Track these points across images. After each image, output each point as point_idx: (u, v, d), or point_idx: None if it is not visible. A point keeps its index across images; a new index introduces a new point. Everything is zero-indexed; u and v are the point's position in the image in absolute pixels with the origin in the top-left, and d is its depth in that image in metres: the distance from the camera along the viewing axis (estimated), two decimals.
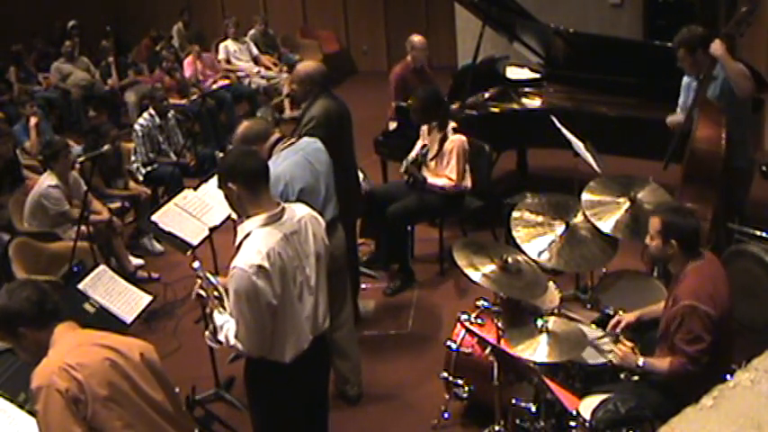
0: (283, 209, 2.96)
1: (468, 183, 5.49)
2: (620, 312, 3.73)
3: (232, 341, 2.89)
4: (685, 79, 4.82)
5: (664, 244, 3.30)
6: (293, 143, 3.92)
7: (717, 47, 4.36)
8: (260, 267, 2.76)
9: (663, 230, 3.28)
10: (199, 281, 3.11)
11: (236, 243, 2.89)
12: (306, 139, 4.01)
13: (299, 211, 3.04)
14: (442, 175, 5.40)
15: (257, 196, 2.90)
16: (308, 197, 3.73)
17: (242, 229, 2.90)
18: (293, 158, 3.83)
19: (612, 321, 3.68)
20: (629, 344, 3.43)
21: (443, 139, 5.40)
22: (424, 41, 6.96)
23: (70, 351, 2.53)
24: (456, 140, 5.35)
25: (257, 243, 2.81)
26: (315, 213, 3.12)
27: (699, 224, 3.33)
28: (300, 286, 2.95)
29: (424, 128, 5.59)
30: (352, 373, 4.34)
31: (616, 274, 4.21)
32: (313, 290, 3.02)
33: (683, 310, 3.16)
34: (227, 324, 2.93)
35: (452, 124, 5.47)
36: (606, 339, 3.64)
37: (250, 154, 3.04)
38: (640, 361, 3.32)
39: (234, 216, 3.27)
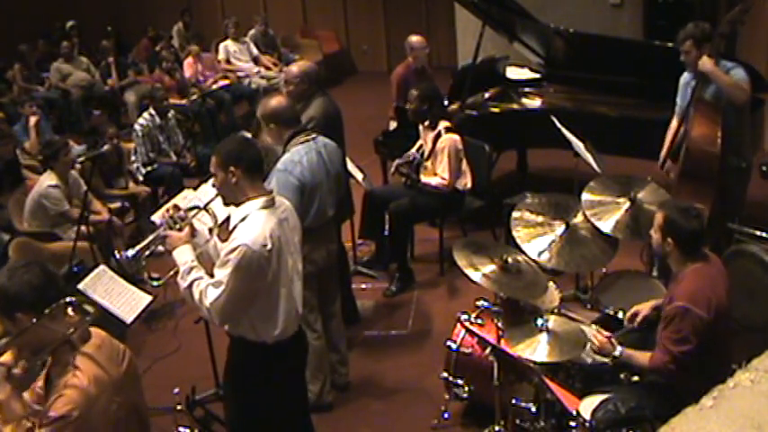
0: (274, 197, 3.07)
1: (465, 182, 5.48)
2: (621, 312, 3.73)
3: (206, 303, 2.88)
4: (684, 77, 4.78)
5: (663, 240, 3.29)
6: (308, 140, 3.92)
7: (705, 63, 4.39)
8: (265, 248, 2.86)
9: (663, 227, 3.27)
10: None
11: (231, 226, 2.97)
12: (323, 138, 4.02)
13: (284, 201, 3.17)
14: (436, 175, 5.40)
15: (254, 182, 3.02)
16: (314, 194, 3.82)
17: (239, 212, 2.97)
18: (310, 154, 3.87)
19: (629, 313, 3.63)
20: (607, 333, 3.43)
21: (436, 138, 5.40)
22: (423, 41, 6.92)
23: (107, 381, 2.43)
24: (447, 140, 5.34)
25: (261, 224, 2.91)
26: (291, 206, 3.22)
27: (702, 227, 3.28)
28: (292, 271, 3.08)
29: (422, 128, 5.58)
30: (339, 364, 4.41)
31: (616, 274, 4.21)
32: (300, 275, 3.15)
33: (676, 311, 3.14)
34: (203, 282, 2.92)
35: (445, 123, 5.45)
36: (589, 330, 3.62)
37: (251, 143, 3.15)
38: (617, 351, 3.31)
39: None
